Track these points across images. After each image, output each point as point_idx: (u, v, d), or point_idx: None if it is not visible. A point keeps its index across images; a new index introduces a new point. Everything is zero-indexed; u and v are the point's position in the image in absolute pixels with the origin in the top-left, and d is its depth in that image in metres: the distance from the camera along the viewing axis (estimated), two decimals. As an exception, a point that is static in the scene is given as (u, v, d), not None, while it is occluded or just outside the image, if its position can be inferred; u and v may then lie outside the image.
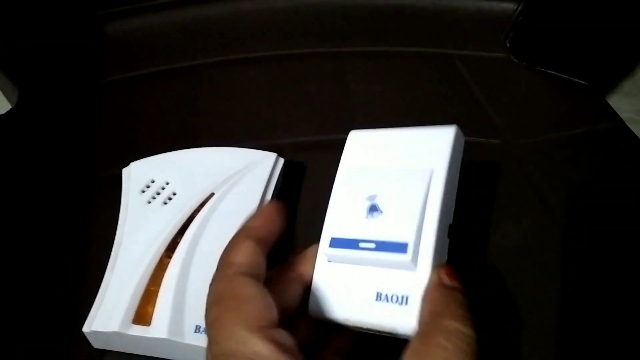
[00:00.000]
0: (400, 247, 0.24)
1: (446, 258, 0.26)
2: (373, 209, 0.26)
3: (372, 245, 0.25)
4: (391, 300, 0.24)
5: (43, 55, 0.52)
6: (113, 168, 0.42)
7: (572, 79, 0.52)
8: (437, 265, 0.25)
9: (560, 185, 0.43)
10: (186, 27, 0.56)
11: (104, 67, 0.54)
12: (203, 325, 0.32)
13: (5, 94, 0.54)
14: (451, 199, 0.27)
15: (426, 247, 0.25)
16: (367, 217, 0.26)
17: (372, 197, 0.26)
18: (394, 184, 0.27)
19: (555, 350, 0.35)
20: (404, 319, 0.24)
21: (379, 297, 0.25)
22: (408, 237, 0.24)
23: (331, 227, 0.27)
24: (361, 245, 0.25)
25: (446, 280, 0.24)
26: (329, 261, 0.27)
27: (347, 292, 0.26)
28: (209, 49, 0.55)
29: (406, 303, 0.24)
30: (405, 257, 0.24)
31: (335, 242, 0.26)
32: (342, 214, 0.27)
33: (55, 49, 0.53)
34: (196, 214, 0.37)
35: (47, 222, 0.41)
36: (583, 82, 0.52)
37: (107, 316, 0.33)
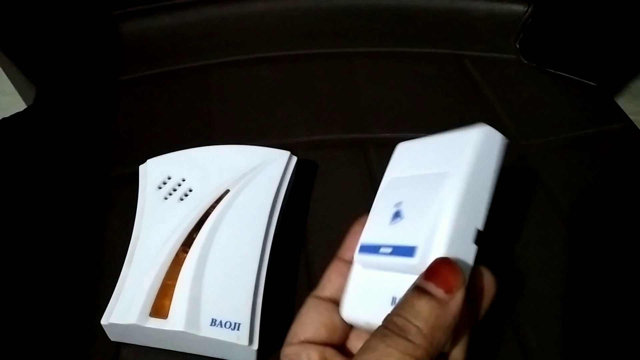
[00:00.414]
0: (410, 251, 0.24)
1: (472, 266, 0.25)
2: (397, 215, 0.26)
3: (389, 250, 0.25)
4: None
5: (59, 55, 0.53)
6: (130, 165, 0.42)
7: (581, 80, 0.52)
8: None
9: (569, 185, 0.44)
10: (200, 27, 0.56)
11: (119, 66, 0.54)
12: (219, 318, 0.33)
13: (22, 92, 0.55)
14: (480, 203, 0.26)
15: (438, 251, 0.24)
16: (390, 223, 0.26)
17: (398, 204, 0.27)
18: (417, 189, 0.27)
19: (566, 349, 0.35)
20: None
21: (394, 302, 0.24)
22: (418, 241, 0.24)
23: (364, 233, 0.28)
24: (381, 250, 0.26)
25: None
26: (357, 264, 0.27)
27: (369, 296, 0.26)
28: (223, 48, 0.55)
29: None
30: (414, 261, 0.24)
31: (363, 248, 0.27)
32: (372, 221, 0.28)
33: (71, 48, 0.53)
34: (212, 210, 0.38)
35: (65, 218, 0.42)
36: (592, 84, 0.52)
37: (125, 309, 0.33)
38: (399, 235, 0.25)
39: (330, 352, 0.26)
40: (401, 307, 0.22)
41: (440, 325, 0.21)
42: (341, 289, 0.27)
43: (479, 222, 0.25)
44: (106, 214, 0.42)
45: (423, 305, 0.21)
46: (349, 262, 0.28)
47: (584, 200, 0.43)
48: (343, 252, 0.29)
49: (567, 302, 0.37)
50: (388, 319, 0.22)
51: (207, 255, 0.35)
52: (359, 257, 0.27)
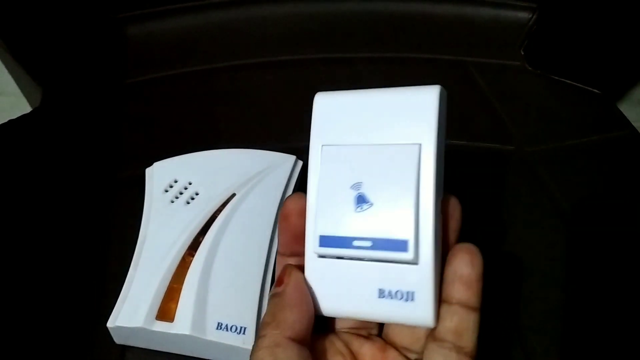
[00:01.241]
0: (400, 245, 0.23)
1: (441, 235, 0.24)
2: (361, 199, 0.24)
3: (368, 244, 0.23)
4: (396, 296, 0.23)
5: (66, 57, 0.53)
6: (136, 168, 0.42)
7: (585, 87, 0.53)
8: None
9: (573, 191, 0.44)
10: (206, 31, 0.57)
11: (126, 69, 0.54)
12: (225, 322, 0.33)
13: (27, 93, 0.55)
14: (440, 172, 0.24)
15: (426, 237, 0.23)
16: (356, 211, 0.23)
17: (357, 186, 0.24)
18: (379, 166, 0.24)
19: (567, 351, 0.35)
20: (416, 314, 0.23)
21: (381, 294, 0.23)
22: (407, 233, 0.22)
23: (318, 223, 0.24)
24: (355, 243, 0.23)
25: None
26: (319, 257, 0.24)
27: (348, 288, 0.24)
28: (228, 52, 0.56)
29: (412, 299, 0.23)
30: (408, 255, 0.22)
31: (326, 241, 0.24)
32: (327, 207, 0.24)
33: (78, 50, 0.53)
34: (218, 214, 0.38)
35: (71, 220, 0.42)
36: (596, 91, 0.52)
37: (131, 312, 0.34)
38: (375, 227, 0.23)
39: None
40: None
41: (280, 308, 0.23)
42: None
43: (441, 192, 0.24)
44: (112, 217, 0.42)
45: (268, 305, 0.24)
46: (291, 256, 0.26)
47: (587, 206, 0.43)
48: (282, 249, 0.26)
49: (569, 306, 0.37)
50: None
51: (213, 259, 0.36)
52: (320, 251, 0.24)
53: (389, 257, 0.23)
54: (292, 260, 0.26)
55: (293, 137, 0.48)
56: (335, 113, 0.25)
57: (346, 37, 0.57)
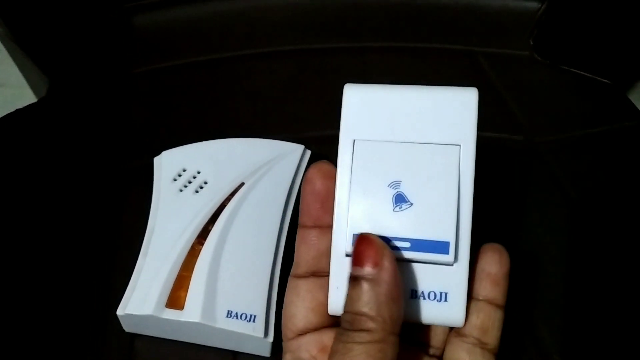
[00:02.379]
0: (441, 247, 0.22)
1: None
2: (400, 199, 0.23)
3: (407, 245, 0.23)
4: (428, 297, 0.23)
5: (73, 47, 0.53)
6: (144, 157, 0.42)
7: (595, 77, 0.52)
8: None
9: (582, 182, 0.44)
10: (213, 20, 0.56)
11: (133, 59, 0.54)
12: (235, 310, 0.33)
13: (33, 84, 0.55)
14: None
15: (464, 239, 0.23)
16: (394, 210, 0.23)
17: (395, 184, 0.23)
18: (418, 165, 0.23)
19: (576, 339, 0.35)
20: (447, 314, 0.23)
21: (414, 294, 0.23)
22: (448, 235, 0.22)
23: (351, 221, 0.23)
24: (392, 244, 0.23)
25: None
26: (347, 256, 0.24)
27: None
28: (236, 42, 0.55)
29: (445, 299, 0.23)
30: (448, 258, 0.22)
31: None
32: (361, 205, 0.24)
33: (85, 40, 0.53)
34: (227, 203, 0.38)
35: (80, 209, 0.42)
36: (606, 81, 0.52)
37: (141, 300, 0.34)
38: (415, 227, 0.23)
39: (328, 336, 0.24)
40: (346, 305, 0.22)
41: (382, 300, 0.21)
42: (315, 259, 0.25)
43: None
44: (121, 206, 0.42)
45: (360, 291, 0.21)
46: (313, 227, 0.25)
47: (597, 196, 0.43)
48: (304, 219, 0.25)
49: (577, 296, 0.37)
50: (341, 320, 0.22)
51: (223, 247, 0.36)
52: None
53: (428, 258, 0.23)
54: (316, 234, 0.24)
55: (302, 127, 0.48)
56: (367, 107, 0.24)
57: (355, 27, 0.57)
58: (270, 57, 0.54)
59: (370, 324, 0.21)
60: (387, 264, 0.21)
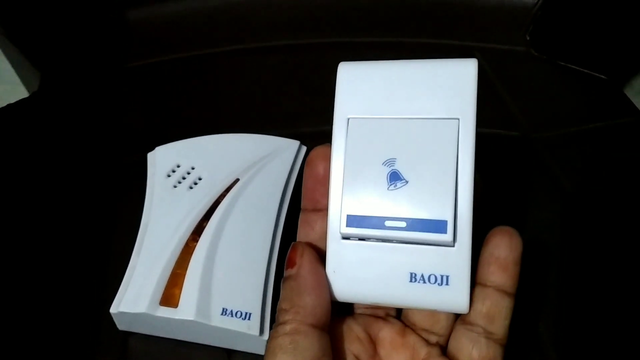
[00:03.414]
0: (439, 226, 0.21)
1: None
2: (395, 177, 0.22)
3: (402, 224, 0.22)
4: (429, 280, 0.22)
5: (65, 41, 0.52)
6: (138, 153, 0.42)
7: (591, 73, 0.52)
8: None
9: (578, 178, 0.44)
10: (208, 15, 0.56)
11: (127, 53, 0.54)
12: (230, 307, 0.33)
13: (27, 78, 0.55)
14: (474, 148, 0.23)
15: (463, 218, 0.21)
16: (389, 189, 0.22)
17: (390, 162, 0.22)
18: (414, 141, 0.22)
19: (573, 333, 0.35)
20: (450, 299, 0.22)
21: (413, 277, 0.22)
22: (446, 213, 0.21)
23: (345, 201, 0.23)
24: (388, 224, 0.22)
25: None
26: (343, 239, 0.23)
27: (374, 272, 0.22)
28: (231, 36, 0.55)
29: (447, 283, 0.22)
30: (446, 237, 0.21)
31: (354, 221, 0.23)
32: (355, 184, 0.23)
33: (77, 34, 0.53)
34: (221, 199, 0.37)
35: (72, 206, 0.41)
36: (602, 77, 0.52)
37: (135, 298, 0.33)
38: (411, 206, 0.22)
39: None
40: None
41: (296, 292, 0.22)
42: (316, 242, 0.24)
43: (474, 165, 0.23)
44: (114, 202, 0.42)
45: (282, 290, 0.23)
46: (314, 211, 0.24)
47: (593, 192, 0.43)
48: (305, 203, 0.25)
49: (574, 292, 0.37)
50: None
51: (217, 244, 0.35)
52: (347, 231, 0.23)
53: (425, 238, 0.22)
54: (316, 217, 0.24)
55: (297, 122, 0.47)
56: (361, 84, 0.23)
57: (350, 22, 0.57)
58: (266, 52, 0.54)
59: (284, 317, 0.22)
60: (303, 261, 0.23)
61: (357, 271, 0.23)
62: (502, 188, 0.43)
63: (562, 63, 0.53)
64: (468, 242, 0.22)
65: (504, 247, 0.22)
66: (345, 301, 0.23)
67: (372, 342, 0.24)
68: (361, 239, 0.23)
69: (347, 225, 0.23)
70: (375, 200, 0.22)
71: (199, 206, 0.37)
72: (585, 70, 0.53)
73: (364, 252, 0.23)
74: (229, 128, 0.43)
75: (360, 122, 0.23)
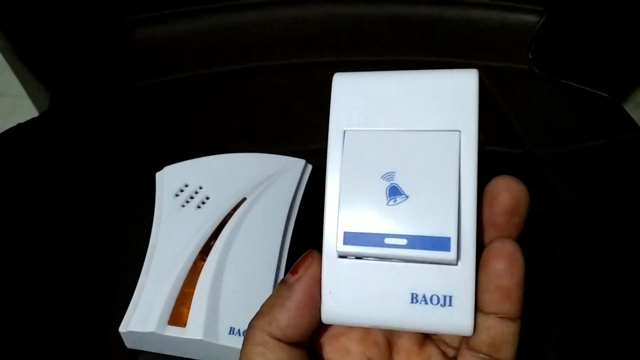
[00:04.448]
0: (442, 243, 0.20)
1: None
2: (394, 191, 0.21)
3: (403, 242, 0.21)
4: (431, 301, 0.21)
5: (74, 60, 0.53)
6: (146, 172, 0.42)
7: (593, 91, 0.53)
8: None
9: (582, 195, 0.44)
10: (214, 34, 0.56)
11: (134, 73, 0.54)
12: (237, 327, 0.33)
13: (34, 93, 0.55)
14: (477, 161, 0.22)
15: (467, 235, 0.20)
16: (388, 204, 0.21)
17: (389, 176, 0.21)
18: (414, 155, 0.21)
19: (575, 345, 0.35)
20: (453, 321, 0.21)
21: (414, 298, 0.21)
22: (449, 230, 0.20)
23: (342, 218, 0.21)
24: (388, 241, 0.21)
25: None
26: (339, 257, 0.22)
27: (373, 292, 0.21)
28: (238, 55, 0.56)
29: (450, 304, 0.21)
30: (450, 255, 0.20)
31: (351, 238, 0.21)
32: (352, 200, 0.22)
33: (86, 53, 0.53)
34: (229, 218, 0.38)
35: (81, 225, 0.42)
36: (605, 95, 0.52)
37: (144, 317, 0.34)
38: (412, 223, 0.21)
39: (347, 337, 0.23)
40: None
41: (279, 303, 0.21)
42: None
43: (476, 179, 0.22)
44: (123, 222, 0.42)
45: (275, 289, 0.22)
46: None
47: (597, 209, 0.43)
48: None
49: (575, 307, 0.37)
50: None
51: (225, 263, 0.36)
52: (344, 249, 0.21)
53: (427, 257, 0.20)
54: None
55: (301, 141, 0.48)
56: (358, 95, 0.23)
57: (354, 41, 0.57)
58: (272, 71, 0.55)
59: (258, 322, 0.21)
60: (305, 275, 0.22)
61: (354, 292, 0.22)
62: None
63: (565, 81, 0.54)
64: (472, 260, 0.21)
65: (504, 273, 0.20)
66: (341, 324, 0.22)
67: (389, 349, 0.24)
68: (359, 257, 0.22)
69: (344, 243, 0.21)
70: (374, 216, 0.21)
71: (207, 225, 0.37)
72: (587, 89, 0.53)
73: (362, 271, 0.22)
74: (236, 147, 0.43)
75: (357, 134, 0.22)
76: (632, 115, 0.51)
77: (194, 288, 0.34)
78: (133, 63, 0.55)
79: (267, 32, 0.57)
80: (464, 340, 0.22)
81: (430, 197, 0.21)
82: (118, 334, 0.34)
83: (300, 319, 0.21)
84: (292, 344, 0.22)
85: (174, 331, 0.33)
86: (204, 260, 0.36)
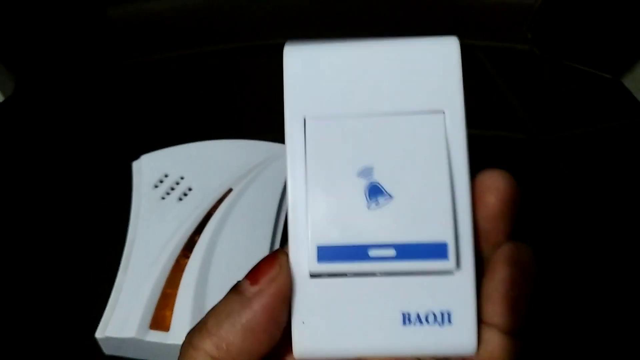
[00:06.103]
0: (438, 250, 0.18)
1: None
2: (376, 191, 0.18)
3: (391, 252, 0.18)
4: (426, 320, 0.18)
5: (42, 42, 0.50)
6: (122, 161, 0.40)
7: (596, 72, 0.52)
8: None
9: (587, 179, 0.43)
10: (196, 12, 0.55)
11: (108, 55, 0.52)
12: (226, 330, 0.31)
13: (2, 83, 0.52)
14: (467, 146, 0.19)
15: (464, 238, 0.18)
16: (370, 207, 0.18)
17: (366, 172, 0.18)
18: (392, 144, 0.18)
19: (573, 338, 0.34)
20: (454, 341, 0.18)
21: (407, 319, 0.18)
22: (444, 233, 0.17)
23: (312, 228, 0.18)
24: (373, 253, 0.18)
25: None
26: (312, 277, 0.18)
27: (359, 317, 0.18)
28: (221, 35, 0.54)
29: (449, 321, 0.18)
30: (448, 264, 0.18)
31: (327, 253, 0.18)
32: (324, 204, 0.18)
33: (56, 35, 0.51)
34: (214, 211, 0.36)
35: (51, 220, 0.40)
36: (607, 75, 0.52)
37: (122, 321, 0.32)
38: (399, 228, 0.18)
39: None
40: None
41: (231, 323, 0.17)
42: None
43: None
44: (96, 216, 0.40)
45: (225, 298, 0.18)
46: None
47: (601, 193, 0.42)
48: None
49: (582, 297, 0.36)
50: None
51: (211, 260, 0.34)
52: (319, 268, 0.18)
53: (421, 268, 0.18)
54: None
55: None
56: (318, 73, 0.19)
57: (348, 20, 0.56)
58: (257, 52, 0.53)
59: (201, 338, 0.18)
60: (268, 290, 0.17)
61: (333, 318, 0.18)
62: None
63: (566, 62, 0.53)
64: (472, 267, 0.18)
65: (516, 283, 0.18)
66: (319, 358, 0.19)
67: None
68: (338, 275, 0.18)
69: (318, 261, 0.18)
70: (353, 224, 0.18)
71: (190, 219, 0.36)
72: (589, 69, 0.52)
73: (342, 292, 0.18)
74: (220, 133, 0.42)
75: (321, 123, 0.19)
76: (637, 97, 0.50)
77: (177, 288, 0.33)
78: (106, 44, 0.53)
79: (252, 10, 0.55)
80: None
81: (419, 195, 0.18)
82: (95, 340, 0.32)
83: (256, 344, 0.17)
84: None
85: (156, 336, 0.31)
86: (188, 258, 0.34)
